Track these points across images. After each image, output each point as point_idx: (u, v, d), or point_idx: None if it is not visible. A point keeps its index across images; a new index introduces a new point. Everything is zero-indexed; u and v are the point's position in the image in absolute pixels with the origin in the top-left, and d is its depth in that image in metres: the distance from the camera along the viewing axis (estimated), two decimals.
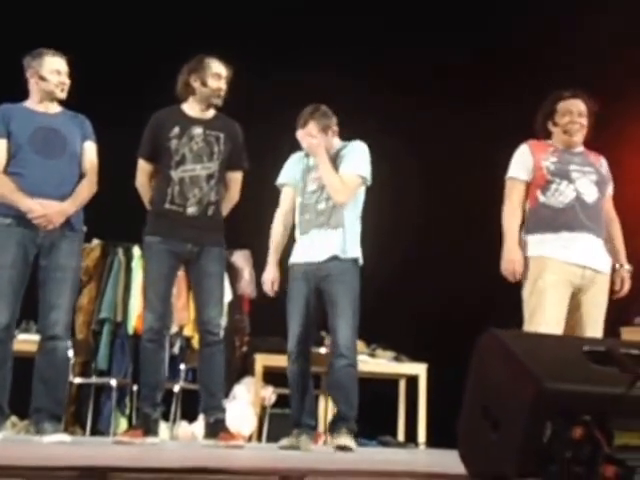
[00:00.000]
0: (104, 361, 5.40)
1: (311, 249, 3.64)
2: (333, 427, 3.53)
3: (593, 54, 5.31)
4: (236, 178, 3.72)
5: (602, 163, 3.47)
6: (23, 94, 3.55)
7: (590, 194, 3.31)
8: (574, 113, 3.37)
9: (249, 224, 5.04)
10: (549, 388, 1.47)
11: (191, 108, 3.61)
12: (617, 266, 3.37)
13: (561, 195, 3.28)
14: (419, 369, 5.66)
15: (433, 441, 5.45)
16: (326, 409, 5.84)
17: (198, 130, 3.56)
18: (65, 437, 3.32)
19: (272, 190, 3.89)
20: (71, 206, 3.40)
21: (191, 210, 3.51)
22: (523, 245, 3.32)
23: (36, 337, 3.95)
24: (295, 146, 3.82)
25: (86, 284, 5.35)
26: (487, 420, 1.64)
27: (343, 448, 3.36)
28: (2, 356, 3.31)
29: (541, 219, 3.30)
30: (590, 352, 1.67)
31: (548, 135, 3.48)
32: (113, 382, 5.31)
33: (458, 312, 5.36)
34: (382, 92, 5.69)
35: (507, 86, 5.54)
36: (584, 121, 3.39)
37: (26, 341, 4.28)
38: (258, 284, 5.98)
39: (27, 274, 3.38)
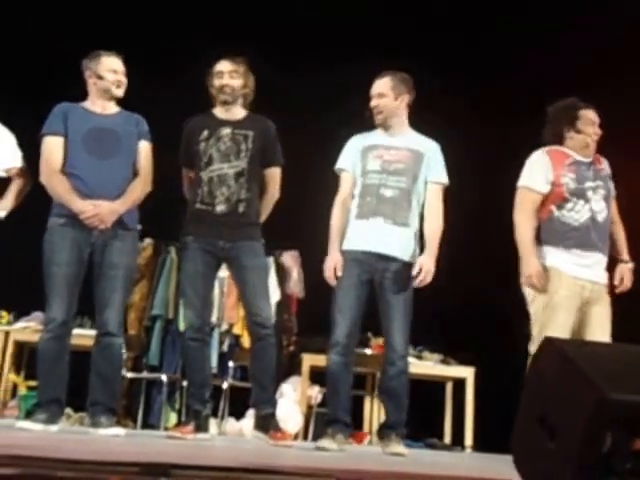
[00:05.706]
0: (155, 357, 5.48)
1: (370, 238, 3.47)
2: (383, 433, 3.51)
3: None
4: (273, 175, 3.72)
5: (605, 166, 3.49)
6: (82, 97, 3.62)
7: (602, 212, 3.36)
8: (596, 124, 3.41)
9: (297, 225, 5.05)
10: (611, 398, 1.45)
11: (220, 110, 3.67)
12: (619, 263, 3.42)
13: (577, 214, 3.33)
14: (466, 372, 5.62)
15: (480, 445, 5.41)
16: (372, 411, 5.85)
17: (226, 130, 3.61)
18: (120, 430, 3.40)
19: (318, 189, 3.86)
20: (122, 205, 3.44)
21: (220, 208, 3.54)
22: (539, 256, 3.32)
23: (90, 332, 4.04)
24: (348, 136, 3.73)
25: (138, 282, 5.44)
26: (544, 429, 1.63)
27: (395, 455, 3.33)
28: (59, 351, 3.39)
29: (555, 233, 3.32)
30: None
31: (560, 141, 3.43)
32: (164, 377, 5.39)
33: (507, 315, 5.30)
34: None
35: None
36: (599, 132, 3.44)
37: (80, 336, 4.38)
38: (306, 284, 6.03)
39: (82, 272, 3.44)
